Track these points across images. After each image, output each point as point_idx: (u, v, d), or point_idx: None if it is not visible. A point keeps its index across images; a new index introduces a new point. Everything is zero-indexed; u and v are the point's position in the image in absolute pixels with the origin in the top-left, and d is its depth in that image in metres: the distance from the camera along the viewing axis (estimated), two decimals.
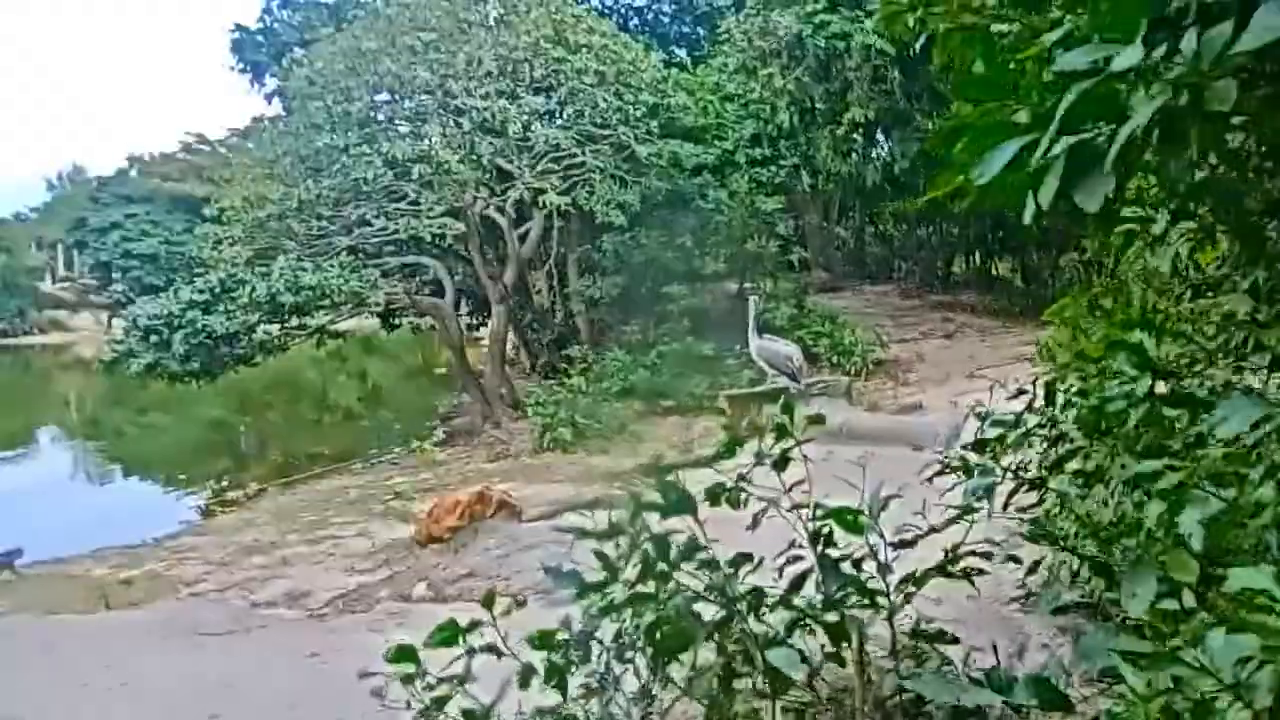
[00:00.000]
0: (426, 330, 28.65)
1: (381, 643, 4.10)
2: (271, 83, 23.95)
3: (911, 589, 3.26)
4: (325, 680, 5.29)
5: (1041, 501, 4.96)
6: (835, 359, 15.25)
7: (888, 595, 2.91)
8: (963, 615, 4.32)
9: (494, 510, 7.85)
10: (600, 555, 3.74)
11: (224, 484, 17.90)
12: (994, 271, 25.17)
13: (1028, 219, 2.54)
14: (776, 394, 10.75)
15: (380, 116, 17.09)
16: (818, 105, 16.54)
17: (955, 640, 2.80)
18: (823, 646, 2.73)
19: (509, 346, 22.05)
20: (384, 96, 16.78)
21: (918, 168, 17.26)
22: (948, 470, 4.88)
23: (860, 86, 14.79)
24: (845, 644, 2.77)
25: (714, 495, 3.27)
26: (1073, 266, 15.53)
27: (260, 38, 23.53)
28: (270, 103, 24.35)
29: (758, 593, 2.87)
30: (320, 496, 15.38)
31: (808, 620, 2.71)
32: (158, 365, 16.21)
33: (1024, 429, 4.86)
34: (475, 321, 26.91)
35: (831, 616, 2.66)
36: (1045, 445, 4.68)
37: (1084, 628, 4.22)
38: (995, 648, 3.19)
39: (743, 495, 3.67)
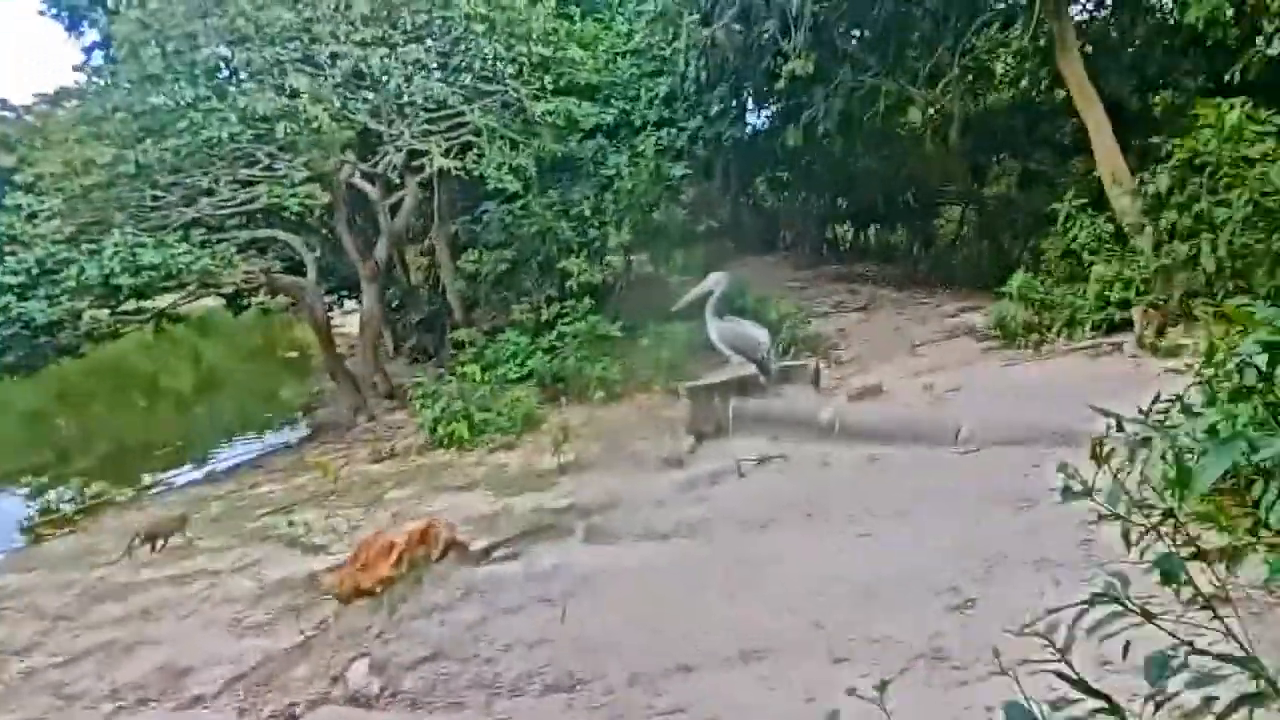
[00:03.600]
0: (276, 312, 26.21)
1: None
2: (91, 34, 20.89)
3: None
4: None
5: None
6: None
7: None
8: None
9: (441, 552, 6.16)
10: None
11: (50, 498, 15.42)
12: (889, 241, 24.52)
13: None
14: (742, 384, 9.39)
15: (233, 66, 14.71)
16: (730, 59, 15.10)
17: None
18: None
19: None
20: (235, 44, 14.39)
21: (842, 127, 16.11)
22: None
23: (799, 36, 13.44)
24: None
25: None
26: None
27: None
28: (89, 57, 21.24)
29: None
30: (175, 511, 13.13)
31: None
32: None
33: None
34: (331, 302, 24.56)
35: None
36: None
37: None
38: None
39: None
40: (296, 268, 17.78)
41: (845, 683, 3.78)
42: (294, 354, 30.85)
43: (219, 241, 14.75)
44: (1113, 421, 7.03)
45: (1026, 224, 20.45)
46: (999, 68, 20.79)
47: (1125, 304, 11.42)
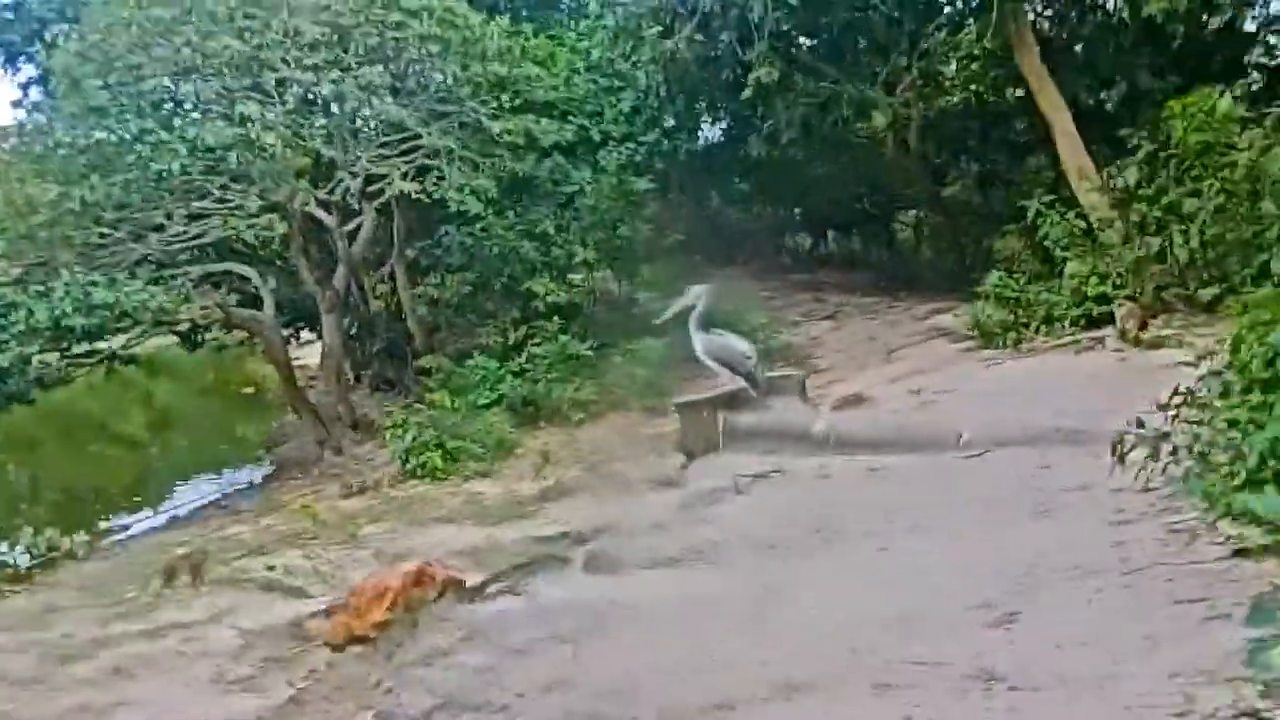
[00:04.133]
0: (231, 348, 25.54)
1: None
2: (27, 69, 20.36)
3: None
4: None
5: None
6: None
7: None
8: None
9: (439, 593, 5.86)
10: None
11: (2, 549, 14.78)
12: (851, 247, 24.56)
13: None
14: (731, 398, 9.18)
15: (178, 97, 14.31)
16: (692, 71, 14.96)
17: None
18: None
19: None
20: (181, 75, 13.99)
21: (804, 136, 16.02)
22: None
23: (762, 44, 13.34)
24: None
25: None
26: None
27: (10, 14, 19.87)
28: (26, 92, 20.70)
29: None
30: (138, 559, 12.60)
31: None
32: None
33: None
34: (288, 334, 24.00)
35: None
36: None
37: None
38: None
39: None
40: (251, 301, 17.33)
41: (894, 713, 3.56)
42: (249, 390, 30.15)
43: (172, 277, 14.30)
44: (1107, 418, 6.79)
45: (987, 225, 20.57)
46: (950, 70, 20.90)
47: (1102, 299, 11.41)
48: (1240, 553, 4.10)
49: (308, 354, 22.39)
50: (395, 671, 5.30)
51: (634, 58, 15.60)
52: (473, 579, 6.61)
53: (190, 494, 17.45)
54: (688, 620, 4.83)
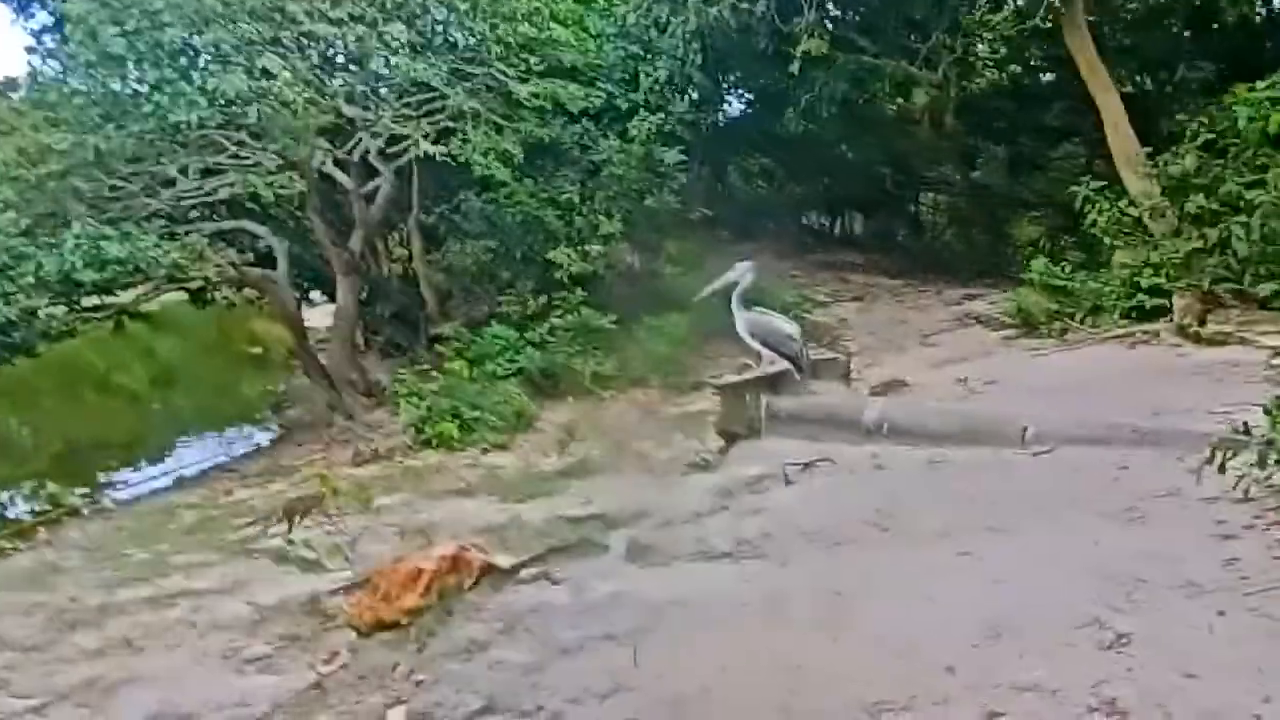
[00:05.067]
0: (242, 306, 25.15)
1: None
2: (42, 16, 19.83)
3: None
4: None
5: None
6: None
7: None
8: None
9: (476, 580, 5.49)
10: None
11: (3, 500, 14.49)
12: (876, 228, 24.08)
13: None
14: (773, 380, 8.79)
15: (197, 47, 13.82)
16: (733, 38, 14.48)
17: None
18: None
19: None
20: (201, 24, 13.50)
21: (842, 111, 15.58)
22: None
23: (810, 13, 12.88)
24: None
25: None
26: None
27: None
28: (40, 39, 20.15)
29: None
30: (145, 521, 12.27)
31: None
32: None
33: None
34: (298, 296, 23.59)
35: None
36: None
37: None
38: None
39: None
40: (261, 260, 16.93)
41: None
42: (256, 350, 29.77)
43: (188, 233, 13.92)
44: (1182, 418, 6.34)
45: (1014, 210, 20.14)
46: (983, 49, 20.43)
47: (1156, 291, 11.00)
48: None
49: (313, 317, 21.99)
50: (428, 662, 4.95)
51: (670, 25, 15.09)
52: (502, 561, 6.24)
53: (196, 454, 17.12)
54: (752, 623, 4.45)
